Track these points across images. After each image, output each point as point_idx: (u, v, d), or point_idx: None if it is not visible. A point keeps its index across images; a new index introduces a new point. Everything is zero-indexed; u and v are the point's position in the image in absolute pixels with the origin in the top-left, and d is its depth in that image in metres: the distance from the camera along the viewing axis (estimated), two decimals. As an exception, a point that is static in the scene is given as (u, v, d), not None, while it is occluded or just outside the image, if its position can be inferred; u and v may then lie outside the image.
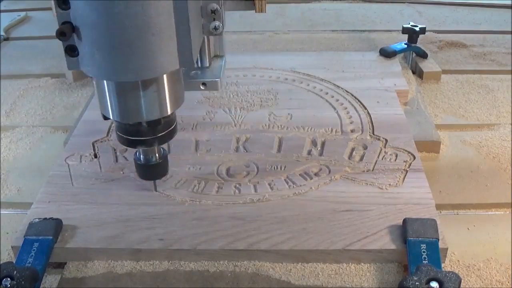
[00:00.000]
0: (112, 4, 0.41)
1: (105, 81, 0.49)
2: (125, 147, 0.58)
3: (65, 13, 0.44)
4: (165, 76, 0.49)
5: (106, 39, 0.43)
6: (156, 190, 0.62)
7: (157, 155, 0.58)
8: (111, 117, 0.51)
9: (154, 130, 0.53)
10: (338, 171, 0.64)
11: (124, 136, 0.54)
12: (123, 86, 0.49)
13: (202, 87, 0.57)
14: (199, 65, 0.59)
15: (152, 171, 0.59)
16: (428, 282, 0.47)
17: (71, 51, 0.47)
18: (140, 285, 0.53)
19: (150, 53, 0.44)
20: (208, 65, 0.59)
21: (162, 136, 0.54)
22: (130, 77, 0.46)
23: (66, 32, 0.43)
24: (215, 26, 0.52)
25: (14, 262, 0.51)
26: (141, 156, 0.58)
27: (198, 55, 0.57)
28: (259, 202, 0.60)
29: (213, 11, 0.52)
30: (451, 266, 0.55)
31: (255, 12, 0.55)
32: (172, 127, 0.55)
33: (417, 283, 0.47)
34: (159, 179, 0.61)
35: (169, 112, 0.52)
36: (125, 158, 0.68)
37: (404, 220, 0.55)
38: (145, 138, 0.53)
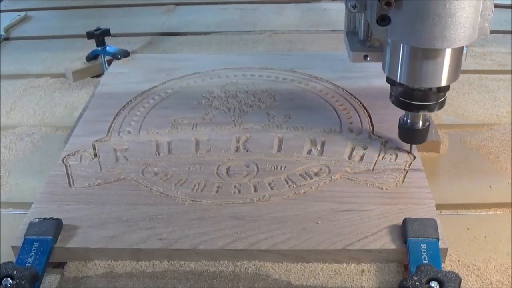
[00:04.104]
0: None
1: (405, 48, 0.56)
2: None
3: None
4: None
5: (433, 11, 0.51)
6: (410, 152, 0.66)
7: (421, 122, 0.64)
8: (402, 81, 0.58)
9: (438, 95, 0.60)
10: (338, 171, 0.64)
11: (408, 101, 0.60)
12: (430, 52, 0.55)
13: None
14: None
15: (414, 135, 0.65)
16: (428, 282, 0.47)
17: (382, 20, 0.54)
18: (140, 285, 0.53)
19: (465, 23, 0.52)
20: None
21: (441, 102, 0.61)
22: (447, 45, 0.53)
23: (392, 2, 0.51)
24: None
25: (14, 262, 0.51)
26: (408, 120, 0.64)
27: None
28: (259, 202, 0.60)
29: None
30: (451, 266, 0.55)
31: None
32: (446, 95, 0.61)
33: (417, 283, 0.47)
34: (419, 144, 0.67)
35: (456, 79, 0.59)
36: (125, 158, 0.68)
37: (404, 220, 0.55)
38: (430, 103, 0.60)
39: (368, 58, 0.64)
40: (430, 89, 0.58)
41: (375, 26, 0.54)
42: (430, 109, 0.60)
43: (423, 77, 0.57)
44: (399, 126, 0.66)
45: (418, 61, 0.56)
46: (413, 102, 0.60)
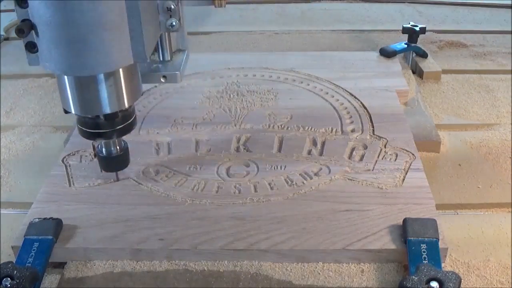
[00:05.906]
0: (65, 2, 0.43)
1: (64, 76, 0.50)
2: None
3: (24, 11, 0.46)
4: (121, 70, 0.50)
5: (61, 36, 0.45)
6: (118, 180, 0.63)
7: (118, 147, 0.59)
8: (71, 111, 0.52)
9: (112, 123, 0.54)
10: (338, 171, 0.64)
11: (83, 129, 0.55)
12: (81, 80, 0.50)
13: (162, 80, 0.59)
14: (161, 59, 0.61)
15: (113, 163, 0.60)
16: (428, 282, 0.47)
17: (31, 47, 0.48)
18: (140, 285, 0.53)
19: (104, 48, 0.46)
20: (169, 58, 0.61)
21: (120, 129, 0.55)
22: (86, 72, 0.48)
23: (24, 29, 0.45)
24: (171, 23, 0.54)
25: (14, 262, 0.51)
26: (103, 148, 0.59)
27: (160, 49, 0.60)
28: (259, 202, 0.60)
29: (169, 9, 0.54)
30: (451, 266, 0.55)
31: (215, 7, 0.57)
32: (131, 120, 0.56)
33: (417, 283, 0.47)
34: (120, 171, 0.63)
35: (126, 105, 0.53)
36: (125, 158, 0.68)
37: (404, 220, 0.55)
38: (104, 131, 0.54)
39: None
40: (98, 116, 0.53)
41: (27, 53, 0.49)
42: (107, 136, 0.55)
43: (81, 105, 0.51)
44: (96, 156, 0.61)
45: (73, 88, 0.51)
46: (88, 130, 0.55)
